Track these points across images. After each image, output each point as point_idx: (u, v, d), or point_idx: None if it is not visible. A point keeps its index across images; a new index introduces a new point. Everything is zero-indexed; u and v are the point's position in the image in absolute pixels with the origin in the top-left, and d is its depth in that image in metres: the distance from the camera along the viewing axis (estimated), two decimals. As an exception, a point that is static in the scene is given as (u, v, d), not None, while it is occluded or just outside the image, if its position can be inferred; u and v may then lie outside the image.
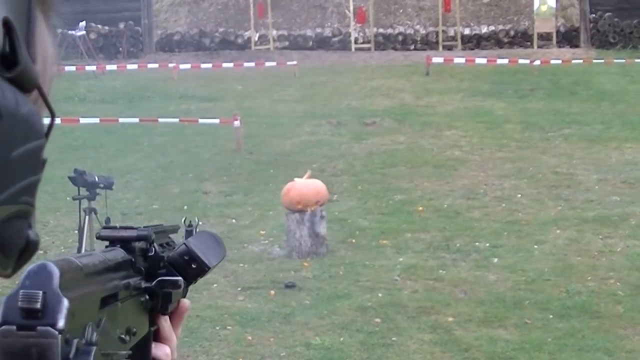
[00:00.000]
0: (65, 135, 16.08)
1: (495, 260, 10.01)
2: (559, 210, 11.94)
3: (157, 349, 1.19)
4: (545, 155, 15.18)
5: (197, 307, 8.44)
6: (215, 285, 9.17)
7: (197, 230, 1.34)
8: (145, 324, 1.13)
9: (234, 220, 11.70)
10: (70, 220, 11.12)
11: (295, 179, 10.41)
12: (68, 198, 10.67)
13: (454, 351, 7.63)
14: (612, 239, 10.66)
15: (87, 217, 9.12)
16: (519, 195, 12.73)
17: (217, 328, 8.12)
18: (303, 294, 9.04)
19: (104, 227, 1.11)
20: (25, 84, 0.61)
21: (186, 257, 1.20)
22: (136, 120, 16.90)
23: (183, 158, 15.31)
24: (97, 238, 1.12)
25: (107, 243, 1.11)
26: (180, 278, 1.16)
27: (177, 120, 17.16)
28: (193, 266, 1.20)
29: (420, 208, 12.15)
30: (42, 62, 0.68)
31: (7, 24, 0.59)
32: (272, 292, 9.09)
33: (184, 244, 1.21)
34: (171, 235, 1.29)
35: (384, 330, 8.05)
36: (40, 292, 0.77)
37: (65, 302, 0.78)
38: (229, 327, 8.15)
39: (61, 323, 0.77)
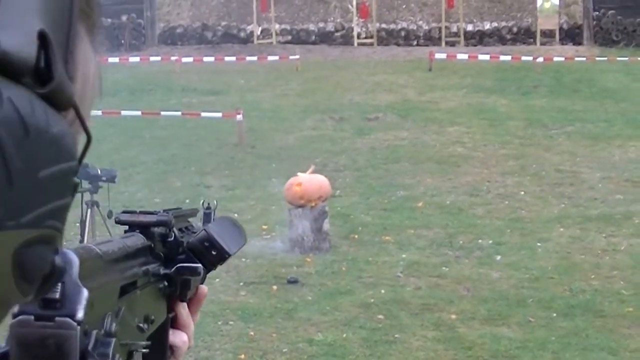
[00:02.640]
0: (67, 127, 16.01)
1: (499, 257, 9.98)
2: (562, 208, 11.91)
3: (175, 336, 1.17)
4: (548, 153, 15.15)
5: (199, 302, 8.40)
6: (217, 279, 9.13)
7: (215, 212, 1.32)
8: (163, 311, 1.12)
9: (236, 215, 11.63)
10: (71, 213, 10.97)
11: (299, 174, 10.37)
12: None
13: (457, 349, 7.60)
14: (616, 237, 10.63)
15: (89, 210, 9.10)
16: (522, 193, 12.70)
17: (219, 323, 8.09)
18: (305, 289, 9.01)
19: (124, 212, 1.10)
20: (59, 101, 0.58)
21: (206, 244, 1.18)
22: (138, 113, 16.88)
23: (185, 152, 15.28)
24: (116, 222, 1.11)
25: (125, 228, 1.09)
26: (199, 265, 1.15)
27: (179, 113, 17.15)
28: (213, 253, 1.19)
29: (420, 204, 12.12)
30: (83, 81, 0.65)
31: (42, 36, 0.55)
32: (275, 287, 9.06)
33: (204, 229, 1.20)
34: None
35: (386, 327, 8.02)
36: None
37: (85, 293, 0.77)
38: (231, 322, 8.12)
39: (80, 314, 0.76)
